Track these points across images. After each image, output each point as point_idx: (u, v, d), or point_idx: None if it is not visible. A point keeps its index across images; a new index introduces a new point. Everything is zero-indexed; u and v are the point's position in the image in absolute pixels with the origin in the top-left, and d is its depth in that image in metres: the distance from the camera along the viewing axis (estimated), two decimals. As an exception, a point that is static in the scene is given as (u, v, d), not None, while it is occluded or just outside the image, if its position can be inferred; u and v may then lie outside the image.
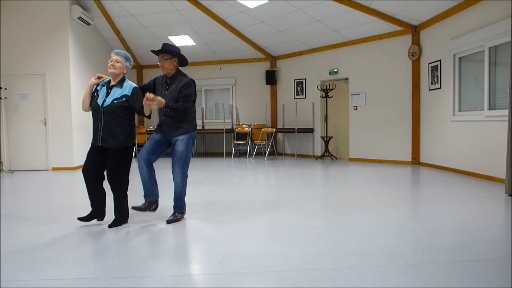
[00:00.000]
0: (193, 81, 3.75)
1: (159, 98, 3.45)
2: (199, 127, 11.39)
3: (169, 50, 3.69)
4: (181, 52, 3.83)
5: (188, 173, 3.84)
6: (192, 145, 3.84)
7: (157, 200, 3.87)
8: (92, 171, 3.61)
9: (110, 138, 3.52)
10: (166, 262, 2.67)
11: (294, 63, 10.57)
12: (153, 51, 3.78)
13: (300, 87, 10.48)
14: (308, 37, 9.32)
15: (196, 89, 3.86)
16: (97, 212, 3.71)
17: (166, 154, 3.99)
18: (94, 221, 3.74)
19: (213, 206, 4.33)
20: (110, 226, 3.61)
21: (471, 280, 2.31)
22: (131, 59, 3.76)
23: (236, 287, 2.26)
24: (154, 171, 3.81)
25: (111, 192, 3.67)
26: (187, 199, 3.91)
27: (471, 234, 3.23)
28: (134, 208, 3.74)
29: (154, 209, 3.84)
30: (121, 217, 3.68)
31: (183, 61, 3.82)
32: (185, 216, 3.95)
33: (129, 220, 3.77)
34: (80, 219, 3.67)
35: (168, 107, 3.54)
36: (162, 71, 3.76)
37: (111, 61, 3.61)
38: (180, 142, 3.73)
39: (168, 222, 3.75)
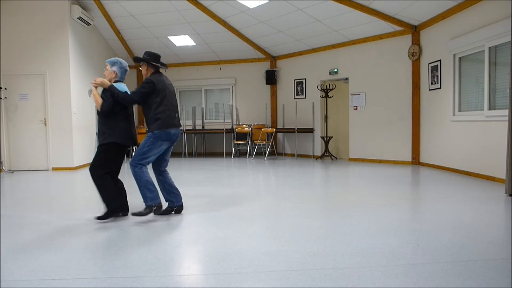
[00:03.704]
0: (152, 81, 3.88)
1: (102, 79, 3.86)
2: (199, 127, 11.39)
3: (138, 58, 4.06)
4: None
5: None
6: (155, 144, 3.84)
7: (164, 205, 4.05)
8: None
9: (100, 136, 3.89)
10: (166, 262, 2.67)
11: (294, 63, 10.57)
12: (134, 60, 4.13)
13: (300, 87, 10.48)
14: (308, 37, 9.32)
15: (177, 89, 4.05)
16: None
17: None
18: (95, 220, 3.79)
19: (213, 206, 4.33)
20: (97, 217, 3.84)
21: (471, 280, 2.31)
22: (120, 62, 4.02)
23: (236, 287, 2.26)
24: (163, 176, 4.06)
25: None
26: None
27: (471, 234, 3.23)
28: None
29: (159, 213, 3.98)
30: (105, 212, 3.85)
31: (153, 65, 4.02)
32: (182, 215, 3.97)
33: (129, 220, 3.80)
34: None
35: (110, 90, 3.80)
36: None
37: None
38: (145, 137, 3.93)
39: (133, 214, 3.85)
